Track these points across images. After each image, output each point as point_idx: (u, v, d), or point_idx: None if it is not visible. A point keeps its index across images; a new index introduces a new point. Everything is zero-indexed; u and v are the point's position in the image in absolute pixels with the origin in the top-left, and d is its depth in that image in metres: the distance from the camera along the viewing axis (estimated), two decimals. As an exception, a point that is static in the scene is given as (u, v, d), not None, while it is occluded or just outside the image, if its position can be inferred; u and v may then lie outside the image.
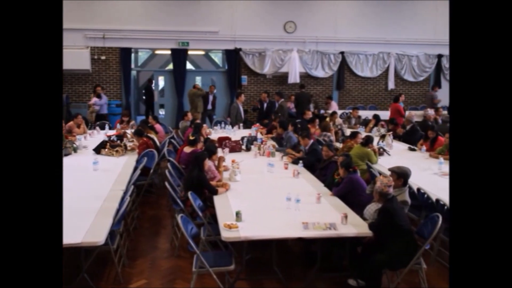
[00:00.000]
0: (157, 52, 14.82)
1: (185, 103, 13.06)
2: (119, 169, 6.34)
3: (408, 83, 14.41)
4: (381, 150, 7.47)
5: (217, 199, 4.91)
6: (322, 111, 11.98)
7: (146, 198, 7.04)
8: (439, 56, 14.15)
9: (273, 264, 4.45)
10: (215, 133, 9.37)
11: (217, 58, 15.53)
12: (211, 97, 12.30)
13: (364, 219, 4.37)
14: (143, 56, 16.00)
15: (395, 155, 7.57)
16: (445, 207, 4.61)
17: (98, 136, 9.01)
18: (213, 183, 5.31)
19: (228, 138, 7.89)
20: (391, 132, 8.86)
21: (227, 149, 7.40)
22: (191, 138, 6.65)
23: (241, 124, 10.67)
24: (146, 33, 12.78)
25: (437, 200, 4.83)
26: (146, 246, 5.49)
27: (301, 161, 6.53)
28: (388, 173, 4.84)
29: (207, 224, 4.68)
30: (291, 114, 11.74)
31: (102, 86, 12.52)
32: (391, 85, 14.14)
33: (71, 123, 9.05)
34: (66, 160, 6.50)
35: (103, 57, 12.87)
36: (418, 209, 5.35)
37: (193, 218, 4.82)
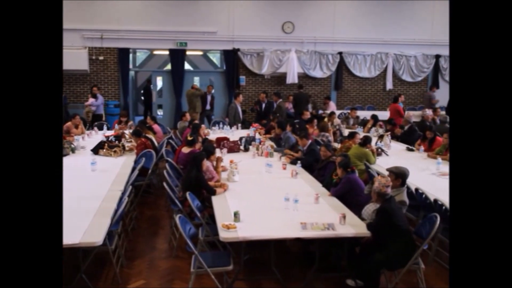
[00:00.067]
0: (155, 52, 14.81)
1: (183, 104, 13.06)
2: (117, 169, 6.33)
3: (406, 84, 14.43)
4: (379, 150, 7.48)
5: (215, 200, 4.91)
6: (320, 112, 11.99)
7: (144, 198, 7.04)
8: (437, 57, 14.17)
9: (271, 265, 4.45)
10: (213, 134, 9.38)
11: (215, 58, 15.54)
12: (209, 97, 12.29)
13: (362, 219, 4.37)
14: (141, 56, 16.00)
15: (393, 155, 7.58)
16: (443, 207, 4.62)
17: (96, 136, 9.00)
18: (211, 183, 5.30)
19: (226, 139, 7.89)
20: (389, 133, 8.88)
21: (225, 150, 7.40)
22: (189, 138, 6.64)
23: (239, 125, 10.67)
24: (144, 33, 12.78)
25: (435, 200, 4.84)
26: (144, 246, 5.48)
27: (299, 162, 6.53)
28: (386, 173, 4.85)
29: (205, 224, 4.68)
30: (289, 114, 11.75)
31: (99, 86, 12.52)
32: (389, 85, 14.16)
33: (69, 123, 9.03)
34: (64, 161, 6.48)
35: (101, 58, 12.85)
36: (416, 209, 5.36)
37: (191, 219, 4.82)
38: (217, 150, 6.88)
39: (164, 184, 5.28)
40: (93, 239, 3.78)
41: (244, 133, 9.26)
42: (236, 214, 4.20)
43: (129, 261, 4.98)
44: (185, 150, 6.58)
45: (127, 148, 7.51)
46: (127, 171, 6.20)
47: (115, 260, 4.52)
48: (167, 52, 13.31)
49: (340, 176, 5.20)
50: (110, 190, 5.26)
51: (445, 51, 13.92)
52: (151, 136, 7.90)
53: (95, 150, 7.28)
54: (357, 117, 11.32)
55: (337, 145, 8.12)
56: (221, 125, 10.42)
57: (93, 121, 11.08)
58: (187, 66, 14.14)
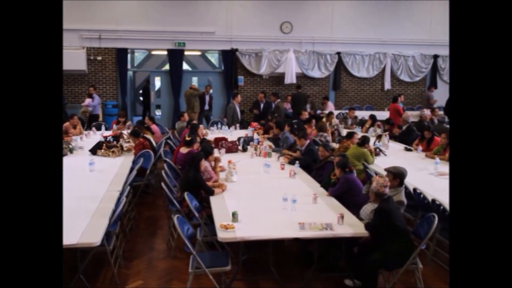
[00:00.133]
0: (154, 52, 14.81)
1: (181, 104, 13.05)
2: (115, 169, 6.33)
3: (404, 84, 14.45)
4: (378, 150, 7.49)
5: (213, 200, 4.91)
6: (318, 112, 12.00)
7: (142, 198, 7.03)
8: (435, 57, 14.20)
9: (269, 265, 4.45)
10: (212, 134, 9.38)
11: (214, 58, 15.54)
12: (207, 97, 12.29)
13: (360, 219, 4.37)
14: (139, 56, 15.99)
15: (391, 155, 7.59)
16: (441, 207, 4.63)
17: (94, 136, 8.99)
18: (209, 183, 5.30)
19: (224, 139, 7.89)
20: (387, 132, 8.89)
21: (223, 150, 7.40)
22: (187, 138, 6.64)
23: (237, 125, 10.67)
24: (142, 33, 12.76)
25: (433, 200, 4.84)
26: (142, 247, 5.48)
27: (297, 162, 6.53)
28: (384, 173, 4.86)
29: (204, 224, 4.68)
30: (287, 114, 11.76)
31: (97, 86, 12.52)
32: (387, 85, 14.18)
33: (67, 124, 9.02)
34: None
35: (99, 58, 12.84)
36: (414, 209, 5.36)
37: (190, 219, 4.82)
38: (215, 150, 6.88)
39: (162, 184, 5.27)
40: (91, 240, 3.77)
41: (242, 133, 9.26)
42: (234, 214, 4.19)
43: (127, 261, 4.98)
44: (183, 150, 6.58)
45: (125, 149, 7.50)
46: (125, 172, 6.19)
47: (113, 260, 4.51)
48: (165, 52, 13.30)
49: (338, 176, 5.20)
50: (108, 190, 5.25)
51: (443, 51, 13.95)
52: (149, 136, 7.89)
53: (93, 151, 7.27)
54: (355, 117, 11.33)
55: (335, 145, 8.12)
56: (219, 125, 10.42)
57: (90, 122, 11.07)
58: (185, 66, 14.14)
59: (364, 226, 4.12)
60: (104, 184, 5.48)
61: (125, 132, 8.84)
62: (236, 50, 13.25)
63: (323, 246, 4.46)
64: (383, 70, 14.13)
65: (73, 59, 12.24)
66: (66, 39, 11.81)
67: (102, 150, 7.23)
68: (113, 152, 7.21)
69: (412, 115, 10.56)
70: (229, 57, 13.32)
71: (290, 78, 13.28)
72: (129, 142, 7.89)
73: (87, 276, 4.30)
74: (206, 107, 12.27)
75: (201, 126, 8.67)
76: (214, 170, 5.70)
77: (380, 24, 13.69)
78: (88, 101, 11.52)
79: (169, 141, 8.73)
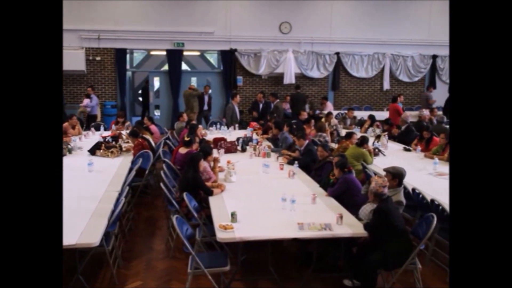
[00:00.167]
0: (152, 52, 14.80)
1: (180, 104, 13.04)
2: (114, 170, 6.32)
3: (403, 84, 14.45)
4: (376, 150, 7.49)
5: (212, 200, 4.91)
6: (317, 112, 12.00)
7: (141, 199, 7.03)
8: (434, 57, 14.21)
9: (268, 265, 4.44)
10: (211, 134, 9.37)
11: (213, 58, 15.54)
12: (206, 98, 12.29)
13: (359, 219, 4.37)
14: (138, 57, 15.99)
15: (390, 155, 7.59)
16: (440, 207, 4.63)
17: (93, 137, 8.98)
18: (208, 184, 5.30)
19: (223, 139, 7.88)
20: (386, 133, 8.89)
21: (222, 150, 7.39)
22: (186, 139, 6.63)
23: (236, 125, 10.66)
24: (141, 33, 12.76)
25: (432, 200, 4.84)
26: (141, 247, 5.47)
27: (296, 162, 6.53)
28: (383, 173, 4.85)
29: (203, 225, 4.68)
30: (286, 114, 11.76)
31: (96, 87, 12.51)
32: (386, 85, 14.18)
33: (65, 124, 9.00)
34: (60, 161, 6.47)
35: (98, 58, 12.83)
36: (413, 209, 5.37)
37: (189, 219, 4.82)
38: (214, 151, 6.88)
39: (161, 184, 5.27)
40: (89, 240, 3.77)
41: (241, 133, 9.26)
42: (233, 215, 4.19)
43: (126, 262, 4.97)
44: (182, 150, 6.58)
45: (124, 149, 7.49)
46: (124, 172, 6.19)
47: (112, 261, 4.50)
48: (164, 53, 13.29)
49: (337, 176, 5.20)
50: (107, 190, 5.25)
51: (442, 51, 13.96)
52: (148, 136, 7.88)
53: (92, 151, 7.26)
54: (354, 117, 11.33)
55: (334, 145, 8.13)
56: (218, 126, 10.41)
57: (88, 122, 11.06)
58: (184, 66, 14.14)
59: (363, 226, 4.11)
60: (103, 185, 5.47)
61: (124, 132, 8.83)
62: (235, 50, 13.25)
63: (322, 246, 4.46)
64: (382, 70, 14.13)
65: (72, 59, 12.22)
66: (65, 39, 11.77)
67: (101, 151, 7.22)
68: (112, 152, 7.20)
69: (411, 115, 10.57)
70: (228, 57, 13.32)
71: (289, 78, 13.28)
72: (128, 142, 7.88)
73: (86, 276, 4.29)
74: (205, 107, 12.26)
75: (200, 126, 8.66)
76: (213, 171, 5.69)
77: (379, 24, 13.70)
78: (86, 101, 11.51)
79: (168, 141, 8.73)
